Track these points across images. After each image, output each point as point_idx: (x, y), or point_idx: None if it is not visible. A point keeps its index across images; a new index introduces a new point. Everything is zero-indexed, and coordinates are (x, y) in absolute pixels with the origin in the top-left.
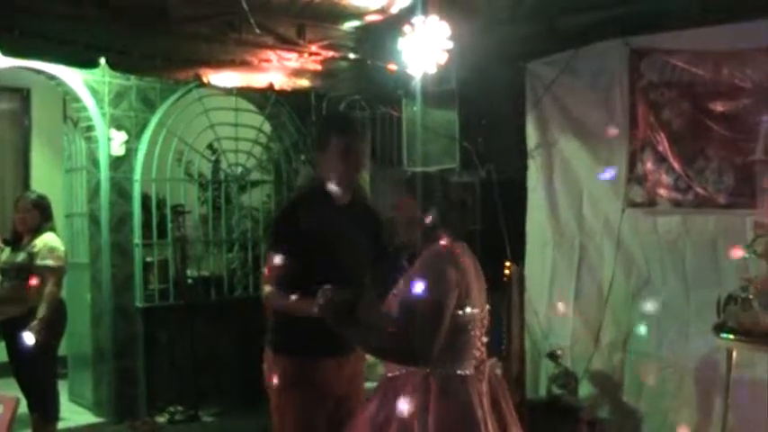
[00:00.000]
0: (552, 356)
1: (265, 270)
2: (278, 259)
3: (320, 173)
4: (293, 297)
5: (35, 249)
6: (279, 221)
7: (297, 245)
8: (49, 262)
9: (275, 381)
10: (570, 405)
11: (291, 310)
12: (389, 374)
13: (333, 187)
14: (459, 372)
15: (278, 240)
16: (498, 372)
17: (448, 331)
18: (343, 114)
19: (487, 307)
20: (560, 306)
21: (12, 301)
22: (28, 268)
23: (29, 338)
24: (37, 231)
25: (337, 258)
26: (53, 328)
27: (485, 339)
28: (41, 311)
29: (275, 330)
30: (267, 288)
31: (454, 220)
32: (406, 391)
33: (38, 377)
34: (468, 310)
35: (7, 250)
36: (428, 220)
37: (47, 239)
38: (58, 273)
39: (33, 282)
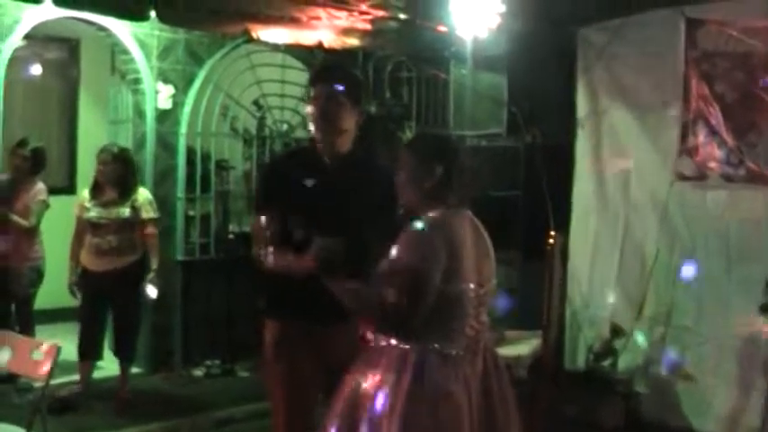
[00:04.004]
0: (616, 331)
1: (253, 229)
2: (266, 219)
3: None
4: (290, 256)
5: (137, 204)
6: (263, 179)
7: (281, 203)
8: (153, 214)
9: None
10: (608, 377)
11: (290, 268)
12: (372, 344)
13: (318, 144)
14: (442, 350)
15: (263, 198)
16: (497, 353)
17: (433, 306)
18: (326, 64)
19: (493, 281)
20: (602, 277)
21: (123, 253)
22: (133, 222)
23: (152, 291)
24: (133, 185)
25: (318, 219)
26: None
27: (484, 318)
28: (155, 263)
29: (266, 294)
30: (267, 249)
31: (459, 185)
32: (382, 364)
33: (135, 323)
34: (457, 285)
35: (91, 204)
36: (429, 183)
37: (144, 193)
38: (159, 223)
39: (145, 232)
